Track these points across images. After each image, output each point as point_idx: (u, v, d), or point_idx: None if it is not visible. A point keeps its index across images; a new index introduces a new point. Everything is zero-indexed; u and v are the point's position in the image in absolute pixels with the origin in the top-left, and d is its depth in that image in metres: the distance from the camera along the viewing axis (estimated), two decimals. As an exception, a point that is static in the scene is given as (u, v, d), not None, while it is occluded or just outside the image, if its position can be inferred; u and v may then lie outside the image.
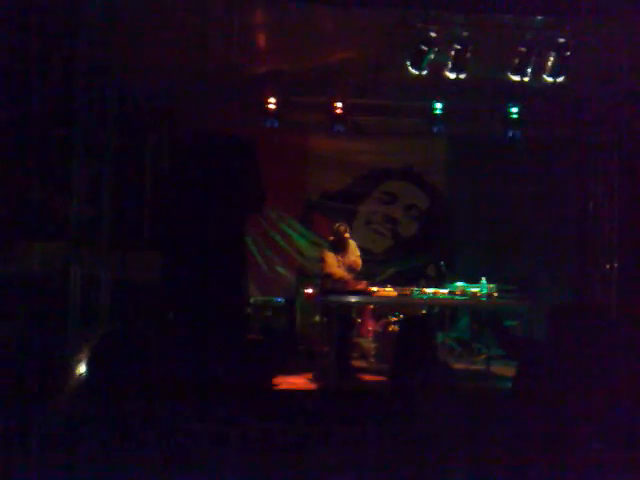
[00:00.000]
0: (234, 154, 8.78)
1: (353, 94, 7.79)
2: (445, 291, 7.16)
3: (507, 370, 6.85)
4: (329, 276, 7.13)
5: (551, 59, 5.84)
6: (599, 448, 3.36)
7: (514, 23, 5.63)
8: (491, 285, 7.07)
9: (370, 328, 8.09)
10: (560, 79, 5.99)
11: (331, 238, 7.45)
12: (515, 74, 6.03)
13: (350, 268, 7.26)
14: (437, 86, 6.82)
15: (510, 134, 8.08)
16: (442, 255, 8.76)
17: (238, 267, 8.87)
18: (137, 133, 7.79)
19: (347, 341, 7.26)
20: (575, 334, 3.65)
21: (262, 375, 6.01)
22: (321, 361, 7.43)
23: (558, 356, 3.64)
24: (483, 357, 7.73)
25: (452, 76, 5.97)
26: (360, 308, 7.94)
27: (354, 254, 7.36)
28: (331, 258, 7.22)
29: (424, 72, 5.97)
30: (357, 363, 7.64)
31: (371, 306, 8.04)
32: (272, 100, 7.86)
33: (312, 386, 6.60)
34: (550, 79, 5.99)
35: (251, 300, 8.87)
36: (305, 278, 8.77)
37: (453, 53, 5.82)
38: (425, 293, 7.09)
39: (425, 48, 5.77)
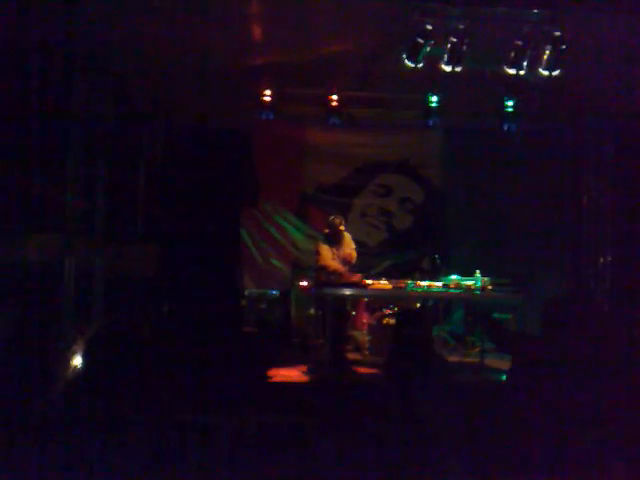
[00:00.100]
0: (229, 146, 8.77)
1: (349, 86, 7.77)
2: (439, 284, 7.18)
3: (501, 363, 6.89)
4: (323, 268, 7.14)
5: (547, 52, 5.84)
6: (595, 441, 3.38)
7: (510, 16, 5.62)
8: (485, 278, 7.09)
9: (364, 321, 8.11)
10: (556, 72, 5.99)
11: (326, 231, 7.45)
12: (511, 67, 6.03)
13: (345, 261, 7.27)
14: (433, 79, 6.81)
15: (506, 127, 8.09)
16: (437, 248, 8.79)
17: (233, 259, 8.88)
18: (133, 125, 7.76)
19: (341, 334, 7.28)
20: (568, 327, 3.67)
21: (256, 367, 6.02)
22: (315, 353, 7.45)
23: (550, 349, 3.66)
24: (477, 350, 7.76)
25: (448, 69, 5.96)
26: (355, 301, 7.95)
27: (349, 247, 7.37)
28: (326, 250, 7.23)
29: (420, 65, 5.96)
30: (351, 356, 7.67)
31: (365, 299, 8.06)
32: (268, 92, 7.84)
33: (306, 378, 6.62)
34: (546, 72, 5.99)
35: (246, 292, 8.88)
36: (300, 271, 8.78)
37: (449, 46, 5.81)
38: (419, 286, 7.11)
39: (421, 41, 5.76)
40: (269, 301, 8.74)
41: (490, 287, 7.07)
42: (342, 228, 7.33)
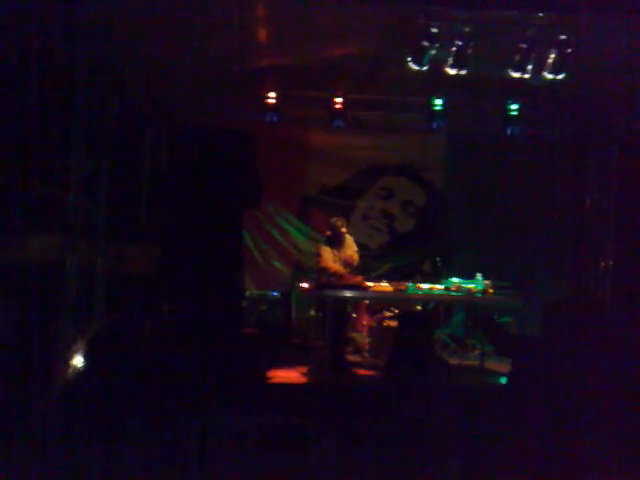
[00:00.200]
0: (232, 148, 8.76)
1: (353, 89, 7.76)
2: (440, 287, 7.18)
3: (500, 366, 6.89)
4: (324, 270, 7.14)
5: (552, 56, 5.84)
6: (595, 441, 3.38)
7: (515, 19, 5.62)
8: (486, 281, 7.09)
9: (365, 323, 8.12)
10: (561, 76, 5.99)
11: (327, 232, 7.46)
12: (516, 71, 6.03)
13: (346, 263, 7.26)
14: (437, 82, 6.81)
15: (509, 131, 8.08)
16: (438, 251, 8.80)
17: (234, 260, 8.87)
18: (136, 126, 7.76)
19: (342, 335, 7.28)
20: (569, 330, 3.67)
21: (257, 368, 6.02)
22: (316, 355, 7.44)
23: (551, 352, 3.67)
24: (477, 353, 7.76)
25: (453, 72, 5.96)
26: (355, 303, 7.95)
27: (350, 249, 7.37)
28: (327, 252, 7.23)
29: (425, 68, 5.96)
30: (351, 357, 7.66)
31: (366, 301, 8.06)
32: (271, 94, 7.84)
33: (306, 380, 6.61)
34: (551, 76, 6.00)
35: (247, 293, 8.88)
36: (301, 272, 8.79)
37: (454, 49, 5.81)
38: (420, 289, 7.11)
39: (426, 44, 5.76)
40: (270, 302, 8.75)
41: (491, 290, 7.07)
42: (343, 230, 7.33)
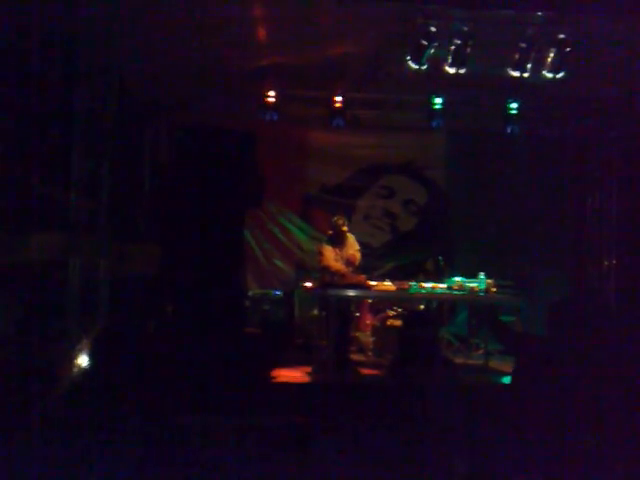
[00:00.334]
0: (233, 147, 8.78)
1: (353, 88, 7.77)
2: (443, 286, 7.18)
3: (504, 365, 6.89)
4: (326, 269, 7.15)
5: (551, 55, 5.85)
6: (596, 443, 3.38)
7: (514, 18, 5.63)
8: (489, 280, 7.09)
9: (368, 322, 8.12)
10: (560, 75, 6.00)
11: (329, 232, 7.47)
12: (515, 69, 6.04)
13: (348, 262, 7.27)
14: (437, 81, 6.81)
15: (509, 129, 8.08)
16: (440, 250, 8.79)
17: (237, 260, 8.89)
18: (137, 126, 7.78)
19: (345, 335, 7.28)
20: (574, 329, 3.67)
21: (260, 368, 6.04)
22: (319, 354, 7.45)
23: (557, 350, 3.66)
24: (481, 352, 7.76)
25: (452, 71, 5.97)
26: (358, 302, 7.96)
27: (352, 248, 7.37)
28: (329, 251, 7.23)
29: (424, 67, 5.97)
30: (355, 357, 7.67)
31: (369, 300, 8.06)
32: (272, 93, 7.85)
33: (310, 379, 6.63)
34: (550, 75, 6.00)
35: (250, 293, 8.89)
36: (303, 271, 8.79)
37: (453, 48, 5.82)
38: (423, 288, 7.11)
39: (425, 43, 5.77)
40: (273, 302, 8.75)
41: (494, 289, 7.07)
42: (345, 229, 7.33)
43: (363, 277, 7.16)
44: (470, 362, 7.57)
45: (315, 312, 8.34)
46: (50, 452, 3.29)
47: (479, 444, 3.75)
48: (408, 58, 5.94)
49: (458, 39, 5.72)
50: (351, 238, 7.44)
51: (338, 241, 7.31)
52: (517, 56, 5.91)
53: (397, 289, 7.11)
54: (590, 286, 8.86)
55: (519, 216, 9.12)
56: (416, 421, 4.20)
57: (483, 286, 7.02)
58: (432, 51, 5.82)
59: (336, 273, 7.10)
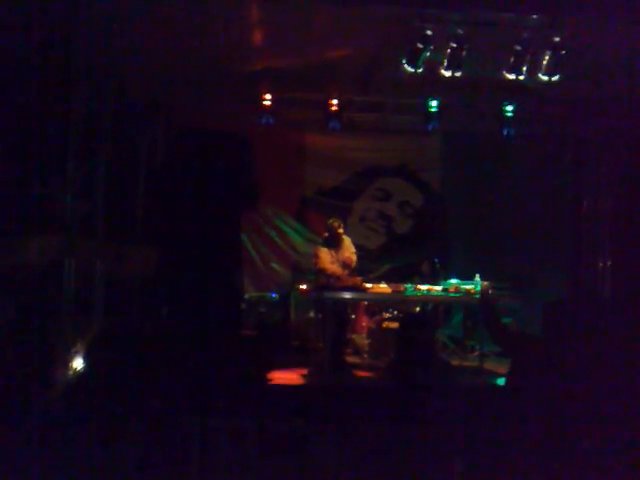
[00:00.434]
0: (229, 150, 8.78)
1: (349, 91, 7.79)
2: (439, 288, 7.18)
3: (500, 367, 6.90)
4: (322, 271, 7.15)
5: (546, 58, 5.87)
6: (592, 445, 3.39)
7: (510, 21, 5.65)
8: (485, 282, 7.10)
9: (364, 324, 8.12)
10: (555, 78, 6.02)
11: (325, 234, 7.47)
12: (510, 72, 6.06)
13: (344, 264, 7.27)
14: (433, 84, 6.83)
15: (505, 132, 8.11)
16: (436, 252, 8.80)
17: (233, 263, 8.89)
18: (133, 129, 7.78)
19: (341, 337, 7.28)
20: (571, 329, 3.68)
21: (256, 370, 6.03)
22: (315, 357, 7.45)
23: (555, 351, 3.67)
24: (476, 354, 7.77)
25: (448, 74, 5.99)
26: (354, 304, 7.96)
27: (348, 250, 7.38)
28: (324, 254, 7.24)
29: (420, 70, 5.99)
30: (351, 359, 7.67)
31: (365, 302, 8.07)
32: (268, 96, 7.86)
33: (306, 382, 6.62)
34: (545, 78, 6.03)
35: (246, 296, 8.88)
36: (300, 274, 8.80)
37: (449, 51, 5.84)
38: (419, 290, 7.12)
39: (421, 46, 5.79)
40: (269, 304, 8.75)
41: (490, 291, 7.08)
42: (341, 231, 7.34)
43: (359, 279, 7.16)
44: (465, 364, 7.58)
45: (311, 314, 8.34)
46: (47, 454, 3.30)
47: (475, 445, 3.76)
48: (404, 61, 5.96)
49: (454, 42, 5.75)
50: (347, 240, 7.44)
51: (334, 243, 7.31)
52: (513, 59, 5.94)
53: (393, 291, 7.11)
54: (586, 287, 8.89)
55: (514, 218, 9.14)
56: (411, 422, 4.20)
57: (479, 288, 7.02)
58: (428, 54, 5.84)
59: (332, 275, 7.10)
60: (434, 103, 7.86)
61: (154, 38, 6.10)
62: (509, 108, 8.01)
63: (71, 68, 5.94)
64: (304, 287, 8.18)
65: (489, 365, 7.22)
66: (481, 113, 8.17)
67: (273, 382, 6.26)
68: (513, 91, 7.15)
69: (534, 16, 5.59)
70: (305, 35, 6.13)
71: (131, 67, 6.82)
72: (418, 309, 8.04)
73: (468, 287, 7.08)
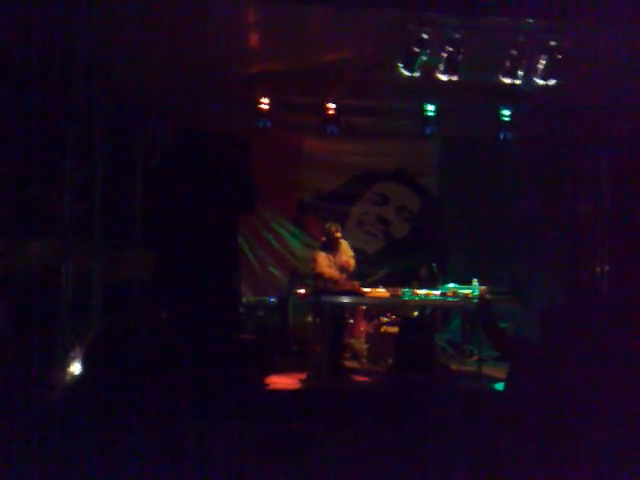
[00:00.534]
0: (227, 154, 8.77)
1: (346, 95, 7.80)
2: (437, 292, 7.18)
3: (498, 371, 6.89)
4: (319, 276, 7.15)
5: (543, 62, 5.88)
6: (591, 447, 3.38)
7: (506, 26, 5.66)
8: (483, 287, 7.10)
9: (362, 329, 8.12)
10: (552, 82, 6.03)
11: (323, 238, 7.47)
12: (507, 77, 6.07)
13: (342, 268, 7.27)
14: (429, 88, 6.84)
15: (502, 136, 8.13)
16: (434, 256, 8.80)
17: (231, 267, 8.87)
18: (130, 131, 7.78)
19: (339, 341, 7.28)
20: (569, 333, 3.67)
21: (254, 374, 6.02)
22: (313, 361, 7.44)
23: (553, 356, 3.67)
24: (474, 358, 7.76)
25: (444, 78, 6.00)
26: (352, 309, 7.96)
27: (346, 254, 7.38)
28: (322, 258, 7.24)
29: (416, 74, 5.99)
30: (349, 363, 7.66)
31: (363, 307, 8.06)
32: (265, 100, 7.86)
33: (304, 386, 6.61)
34: (542, 82, 6.04)
35: (244, 300, 8.87)
36: (298, 278, 8.80)
37: (445, 55, 5.85)
38: (417, 294, 7.12)
39: (417, 50, 5.80)
40: (267, 309, 8.74)
41: (488, 295, 7.07)
42: (338, 235, 7.34)
43: (357, 284, 7.16)
44: (464, 368, 7.57)
45: (309, 319, 8.34)
46: (44, 459, 3.28)
47: (473, 448, 3.75)
48: (400, 65, 5.97)
49: (450, 46, 5.75)
50: (345, 245, 7.44)
51: (332, 248, 7.32)
52: (509, 63, 5.95)
53: (391, 296, 7.11)
54: (584, 291, 8.88)
55: (512, 222, 9.15)
56: (411, 427, 4.19)
57: (476, 293, 7.02)
58: (424, 58, 5.85)
59: (330, 280, 7.10)
60: (431, 107, 7.87)
61: (151, 40, 6.09)
62: (506, 112, 8.02)
63: (68, 68, 5.94)
64: (302, 291, 8.18)
65: (487, 369, 7.21)
66: (478, 117, 8.18)
67: (271, 386, 6.26)
68: (510, 95, 7.16)
69: (530, 20, 5.60)
70: (302, 39, 6.13)
71: (128, 69, 6.81)
72: (416, 314, 8.04)
73: (466, 291, 7.08)
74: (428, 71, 5.99)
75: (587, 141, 8.77)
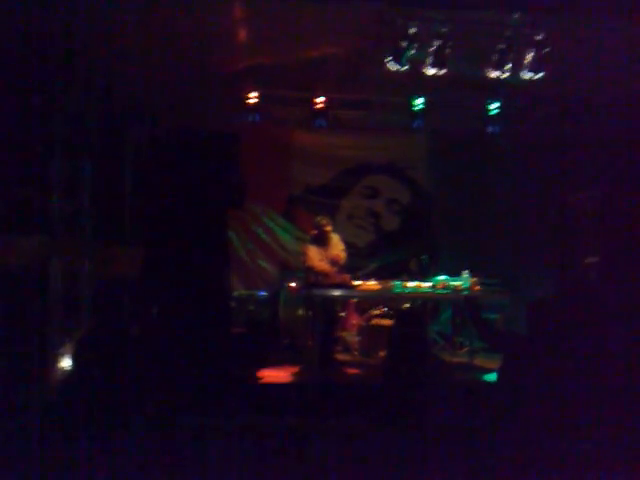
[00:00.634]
0: (216, 148, 8.75)
1: (334, 89, 7.80)
2: (428, 285, 7.21)
3: (489, 363, 6.95)
4: (310, 269, 7.16)
5: (530, 55, 5.91)
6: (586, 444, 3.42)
7: (493, 19, 5.68)
8: (473, 278, 7.13)
9: (354, 322, 8.15)
10: (539, 75, 6.06)
11: (313, 232, 7.48)
12: (494, 70, 6.10)
13: (333, 262, 7.29)
14: (417, 81, 6.85)
15: (490, 129, 8.17)
16: (424, 249, 8.84)
17: (221, 261, 8.86)
18: (118, 128, 7.75)
19: (331, 335, 7.31)
20: (557, 326, 3.71)
21: (245, 368, 6.04)
22: (305, 355, 7.47)
23: (540, 348, 3.70)
24: (465, 350, 7.81)
25: (432, 72, 6.02)
26: (344, 302, 7.98)
27: (337, 248, 7.39)
28: (313, 251, 7.25)
29: (404, 68, 6.01)
30: (341, 356, 7.69)
31: (354, 300, 8.09)
32: (253, 94, 7.85)
33: (296, 379, 6.64)
34: (529, 75, 6.07)
35: (235, 294, 8.88)
36: (289, 272, 8.81)
37: (433, 49, 5.87)
38: (407, 287, 7.14)
39: (405, 44, 5.81)
40: (258, 303, 8.75)
41: (478, 287, 7.11)
42: (329, 229, 7.35)
43: (347, 277, 7.18)
44: (455, 360, 7.62)
45: (300, 312, 8.36)
46: (35, 457, 3.28)
47: (471, 443, 3.78)
48: (388, 59, 5.98)
49: (438, 40, 5.77)
50: (335, 238, 7.45)
51: (322, 241, 7.33)
52: (496, 57, 5.97)
53: (381, 288, 7.14)
54: (574, 283, 8.94)
55: (502, 214, 9.19)
56: (405, 420, 4.22)
57: (467, 284, 7.06)
58: (412, 52, 5.86)
59: (320, 273, 7.11)
60: (419, 101, 7.89)
61: (138, 37, 6.07)
62: (494, 105, 8.05)
63: (55, 67, 5.90)
64: (293, 285, 8.19)
65: (478, 361, 7.27)
66: (467, 110, 8.21)
67: (263, 380, 6.28)
68: (498, 89, 7.18)
69: (517, 14, 5.61)
70: (290, 32, 6.12)
71: (113, 64, 6.77)
72: (407, 306, 8.08)
73: (456, 283, 7.11)
74: (416, 65, 6.00)
75: (577, 134, 8.81)
